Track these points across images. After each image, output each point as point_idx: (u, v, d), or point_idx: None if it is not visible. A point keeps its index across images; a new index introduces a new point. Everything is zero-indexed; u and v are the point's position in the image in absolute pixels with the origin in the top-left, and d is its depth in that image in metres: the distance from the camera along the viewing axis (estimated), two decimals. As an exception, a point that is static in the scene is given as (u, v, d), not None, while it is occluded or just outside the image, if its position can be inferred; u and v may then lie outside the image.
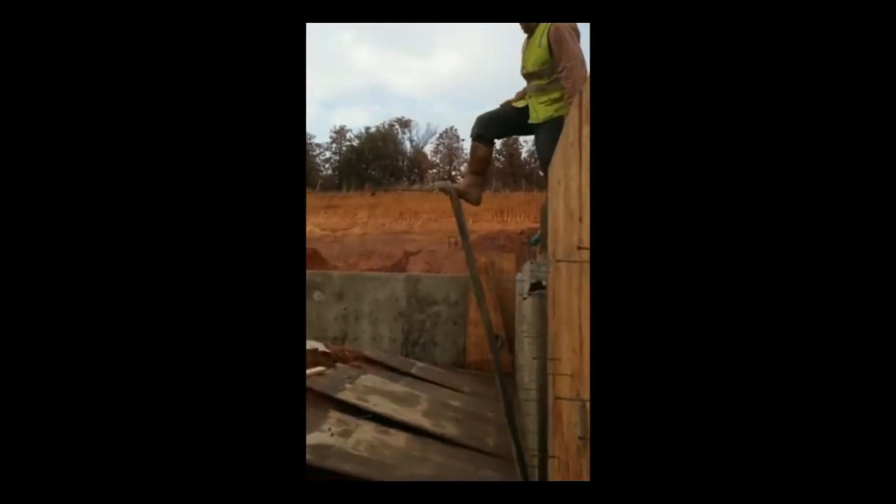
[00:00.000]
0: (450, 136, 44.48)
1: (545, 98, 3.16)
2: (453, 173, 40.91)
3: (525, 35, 3.28)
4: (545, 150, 2.99)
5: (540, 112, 3.18)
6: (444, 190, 3.20)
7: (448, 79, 73.22)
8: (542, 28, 3.10)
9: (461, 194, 3.20)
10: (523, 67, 3.26)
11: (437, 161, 44.58)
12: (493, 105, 3.52)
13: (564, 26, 3.02)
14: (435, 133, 45.38)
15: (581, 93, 1.36)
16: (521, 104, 3.33)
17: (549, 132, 3.02)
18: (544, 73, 3.12)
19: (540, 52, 3.10)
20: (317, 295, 6.98)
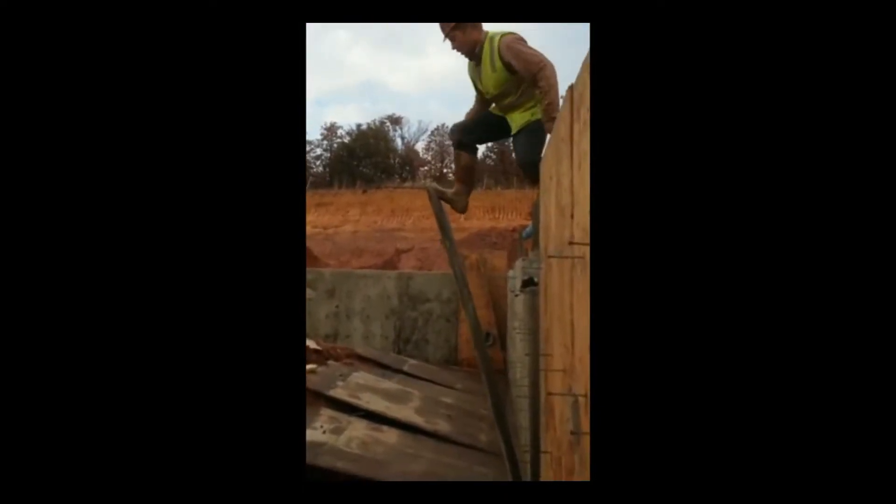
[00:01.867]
0: (441, 133, 44.40)
1: (520, 110, 3.20)
2: (445, 170, 40.88)
3: (469, 60, 3.26)
4: (525, 154, 3.07)
5: (517, 121, 3.23)
6: (427, 189, 3.22)
7: (439, 76, 73.09)
8: (487, 51, 3.12)
9: (447, 200, 3.22)
10: (486, 93, 3.27)
11: (429, 158, 44.54)
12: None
13: (510, 39, 3.05)
14: (426, 130, 45.32)
15: (571, 88, 1.36)
16: (498, 112, 3.36)
17: (527, 135, 3.11)
18: (510, 90, 3.15)
19: (497, 75, 3.12)
20: (308, 292, 6.95)
